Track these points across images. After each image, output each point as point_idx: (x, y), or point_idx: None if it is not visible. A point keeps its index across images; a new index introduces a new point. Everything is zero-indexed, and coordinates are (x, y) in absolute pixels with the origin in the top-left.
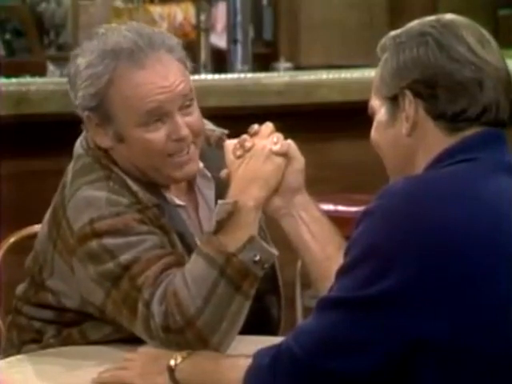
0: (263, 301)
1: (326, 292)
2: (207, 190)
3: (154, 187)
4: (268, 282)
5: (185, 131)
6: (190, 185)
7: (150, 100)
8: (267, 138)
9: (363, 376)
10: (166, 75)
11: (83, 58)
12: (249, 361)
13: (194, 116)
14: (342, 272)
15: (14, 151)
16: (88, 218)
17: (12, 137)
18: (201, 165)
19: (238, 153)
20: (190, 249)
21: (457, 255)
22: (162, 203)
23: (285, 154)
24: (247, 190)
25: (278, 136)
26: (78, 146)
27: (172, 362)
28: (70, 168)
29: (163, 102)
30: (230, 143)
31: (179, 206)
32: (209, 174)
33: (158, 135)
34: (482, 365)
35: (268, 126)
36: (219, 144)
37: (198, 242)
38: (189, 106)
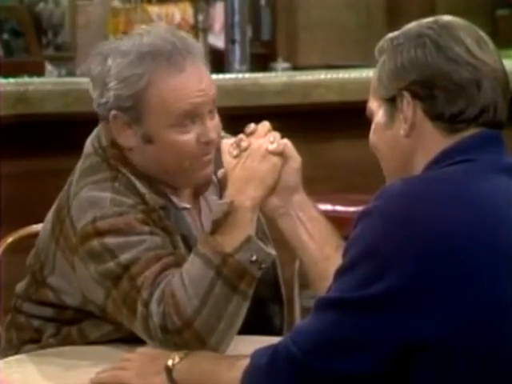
0: (266, 310)
1: (324, 292)
2: (212, 196)
3: (161, 190)
4: (271, 290)
5: (214, 134)
6: (196, 190)
7: (188, 102)
8: (264, 137)
9: (361, 376)
10: (201, 78)
11: (116, 59)
12: (246, 361)
13: (216, 120)
14: (340, 272)
15: (12, 151)
16: (91, 216)
17: (10, 137)
18: None
19: (235, 152)
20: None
21: (455, 256)
22: (168, 205)
23: (281, 154)
24: (244, 190)
25: (275, 135)
26: (89, 144)
27: (170, 362)
28: (78, 166)
29: (198, 104)
30: (227, 143)
31: (185, 208)
32: (215, 179)
33: (188, 137)
34: (481, 365)
35: (264, 125)
36: None
37: None
38: (213, 111)
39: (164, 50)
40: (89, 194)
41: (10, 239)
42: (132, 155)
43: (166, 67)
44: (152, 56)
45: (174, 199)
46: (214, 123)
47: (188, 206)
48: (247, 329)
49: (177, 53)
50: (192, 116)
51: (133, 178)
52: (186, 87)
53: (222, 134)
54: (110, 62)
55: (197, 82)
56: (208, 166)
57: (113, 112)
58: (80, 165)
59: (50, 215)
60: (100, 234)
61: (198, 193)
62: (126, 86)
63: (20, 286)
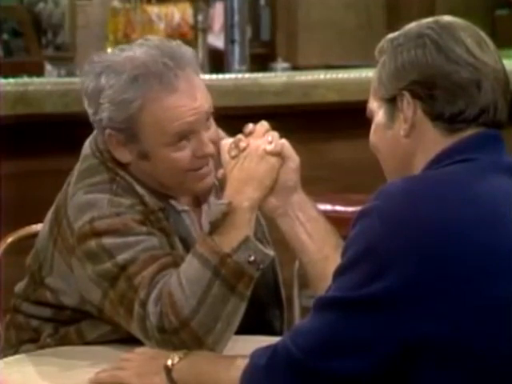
0: (266, 314)
1: (324, 292)
2: (212, 197)
3: (160, 192)
4: (271, 294)
5: (210, 148)
6: (196, 196)
7: (182, 123)
8: (262, 137)
9: (361, 376)
10: (195, 96)
11: (109, 79)
12: (245, 361)
13: (212, 129)
14: (339, 272)
15: (11, 151)
16: (89, 217)
17: (10, 137)
18: None
19: (233, 153)
20: None
21: (455, 255)
22: (167, 207)
23: (279, 154)
24: (242, 191)
25: (273, 135)
26: (87, 146)
27: (169, 362)
28: (77, 168)
29: (192, 123)
30: (226, 143)
31: (184, 211)
32: (216, 182)
33: (184, 154)
34: (481, 365)
35: (263, 125)
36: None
37: None
38: (208, 120)
39: (156, 70)
40: (86, 196)
41: (9, 239)
42: (132, 168)
43: (159, 89)
44: (144, 78)
45: (173, 202)
46: (209, 134)
47: (186, 208)
48: (247, 333)
49: (169, 72)
50: (187, 134)
51: (131, 181)
52: (180, 107)
53: (222, 134)
54: (103, 80)
55: (190, 101)
56: (206, 178)
57: (107, 131)
58: (78, 166)
59: (48, 216)
60: (97, 234)
61: (198, 198)
62: (120, 110)
63: (19, 286)
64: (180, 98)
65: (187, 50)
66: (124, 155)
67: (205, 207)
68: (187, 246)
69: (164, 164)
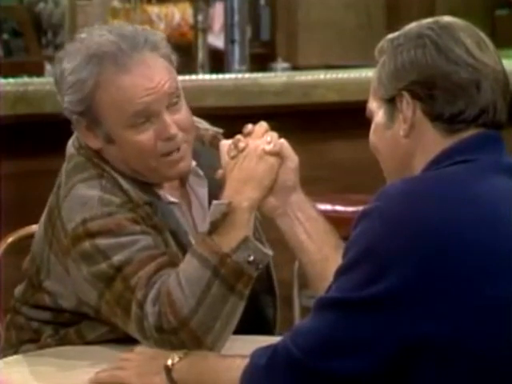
0: (258, 301)
1: (324, 292)
2: (200, 189)
3: (147, 185)
4: (263, 281)
5: (173, 130)
6: (183, 183)
7: (137, 102)
8: (261, 138)
9: (361, 376)
10: (152, 76)
11: (67, 63)
12: (246, 361)
13: (182, 113)
14: (340, 273)
15: (11, 151)
16: (80, 218)
17: (10, 137)
18: (193, 163)
19: (232, 153)
20: (183, 247)
21: (455, 256)
22: (154, 201)
23: (278, 154)
24: (241, 191)
25: (272, 135)
26: (70, 145)
27: (169, 362)
28: (64, 168)
29: (150, 103)
30: (225, 143)
31: (172, 203)
32: (201, 173)
33: (146, 136)
34: (481, 365)
35: (262, 126)
36: (213, 143)
37: (192, 240)
38: (176, 104)
39: (108, 51)
40: (78, 194)
41: (9, 239)
42: (105, 155)
43: (112, 69)
44: (97, 59)
45: (161, 193)
46: (177, 117)
47: (176, 200)
48: (240, 320)
49: (122, 54)
50: (146, 115)
51: (116, 175)
52: (134, 87)
53: (207, 126)
54: (63, 65)
55: (145, 81)
56: (178, 164)
57: (73, 117)
58: (65, 166)
59: (42, 218)
60: (90, 235)
61: (184, 185)
62: (76, 91)
63: (18, 290)
64: (134, 78)
65: (154, 34)
66: (93, 141)
67: (193, 197)
68: (178, 239)
69: (129, 147)
